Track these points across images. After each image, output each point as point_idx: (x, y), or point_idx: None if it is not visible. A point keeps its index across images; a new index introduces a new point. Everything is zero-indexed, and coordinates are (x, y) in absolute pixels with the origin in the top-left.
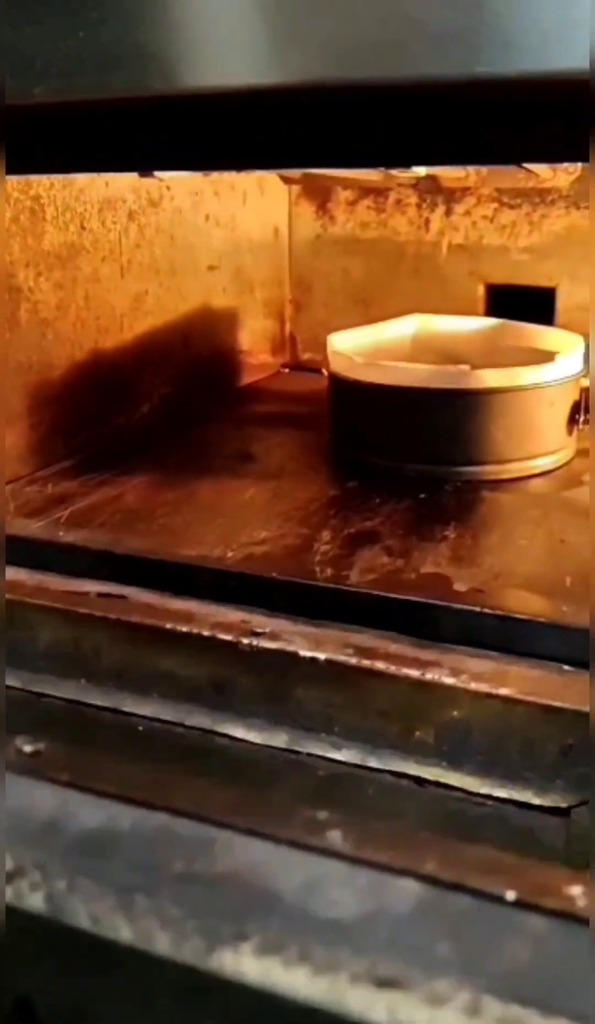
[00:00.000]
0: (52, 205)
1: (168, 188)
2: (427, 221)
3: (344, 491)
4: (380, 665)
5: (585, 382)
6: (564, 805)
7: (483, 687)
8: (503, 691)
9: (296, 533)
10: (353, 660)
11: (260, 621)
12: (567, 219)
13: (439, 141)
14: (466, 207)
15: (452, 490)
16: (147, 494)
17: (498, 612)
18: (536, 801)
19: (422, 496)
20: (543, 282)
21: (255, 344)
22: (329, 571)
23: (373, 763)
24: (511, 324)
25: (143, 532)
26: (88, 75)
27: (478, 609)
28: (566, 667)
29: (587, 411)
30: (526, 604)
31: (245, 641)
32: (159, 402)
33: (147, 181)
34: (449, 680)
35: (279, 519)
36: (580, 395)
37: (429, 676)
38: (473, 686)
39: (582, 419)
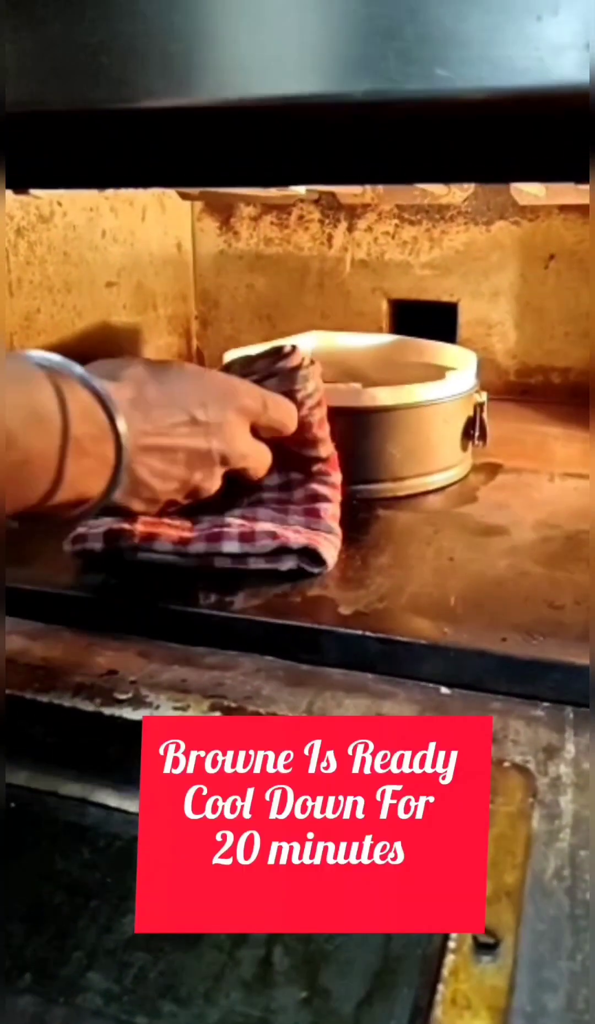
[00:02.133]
0: None
1: (59, 204)
2: (330, 237)
3: None
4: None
5: (479, 398)
6: None
7: None
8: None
9: None
10: None
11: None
12: (466, 235)
13: (439, 159)
14: (368, 223)
15: (346, 508)
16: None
17: (380, 636)
18: None
19: None
20: (445, 297)
21: None
22: (213, 597)
23: None
24: (408, 341)
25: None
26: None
27: (360, 633)
28: (444, 689)
29: (481, 428)
30: (408, 626)
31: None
32: None
33: (36, 197)
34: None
35: None
36: (474, 411)
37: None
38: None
39: (476, 435)
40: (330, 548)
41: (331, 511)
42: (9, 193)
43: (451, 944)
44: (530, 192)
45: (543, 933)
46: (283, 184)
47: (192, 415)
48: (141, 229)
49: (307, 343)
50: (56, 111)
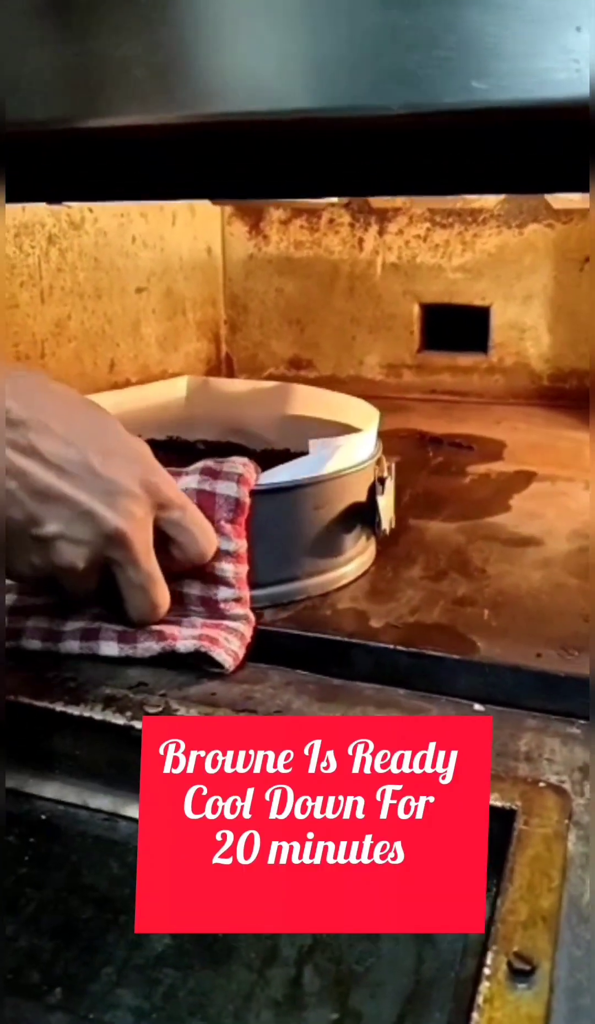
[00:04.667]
0: None
1: (90, 211)
2: (360, 241)
3: None
4: None
5: (381, 470)
6: None
7: None
8: None
9: None
10: None
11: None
12: (499, 238)
13: (438, 170)
14: (399, 226)
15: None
16: None
17: (412, 650)
18: None
19: None
20: (477, 301)
21: (189, 366)
22: None
23: None
24: (301, 390)
25: None
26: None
27: (391, 647)
28: (478, 706)
29: (377, 517)
30: (440, 640)
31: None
32: None
33: (68, 206)
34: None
35: None
36: (371, 491)
37: None
38: None
39: (381, 521)
40: (233, 643)
41: (235, 595)
42: (41, 203)
43: (486, 971)
44: (564, 195)
45: (580, 960)
46: (319, 196)
47: (86, 459)
48: (171, 234)
49: (179, 389)
50: (88, 128)
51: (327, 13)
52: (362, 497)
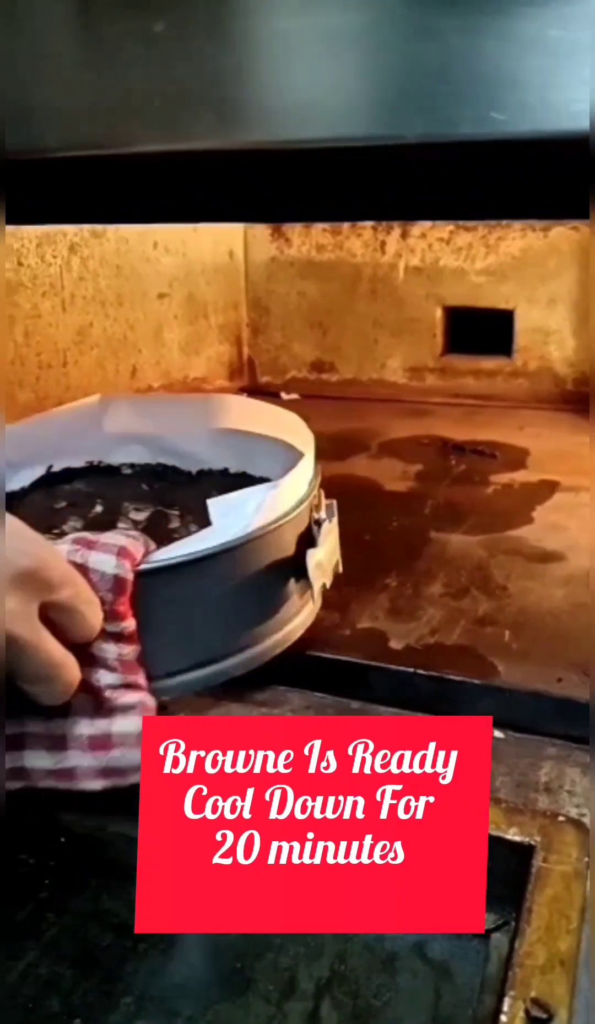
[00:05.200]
0: None
1: None
2: (383, 244)
3: None
4: None
5: (317, 512)
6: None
7: None
8: None
9: None
10: None
11: None
12: (523, 241)
13: (440, 197)
14: (422, 229)
15: (396, 534)
16: None
17: (432, 674)
18: None
19: None
20: (501, 304)
21: (211, 370)
22: None
23: None
24: (227, 401)
25: None
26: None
27: (411, 670)
28: (498, 732)
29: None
30: (460, 664)
31: None
32: None
33: None
34: None
35: None
36: (300, 540)
37: None
38: None
39: (313, 581)
40: (129, 755)
41: (122, 680)
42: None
43: (503, 1017)
44: None
45: None
46: (337, 220)
47: None
48: (193, 239)
49: (94, 410)
50: (120, 155)
51: (350, 45)
52: (290, 550)
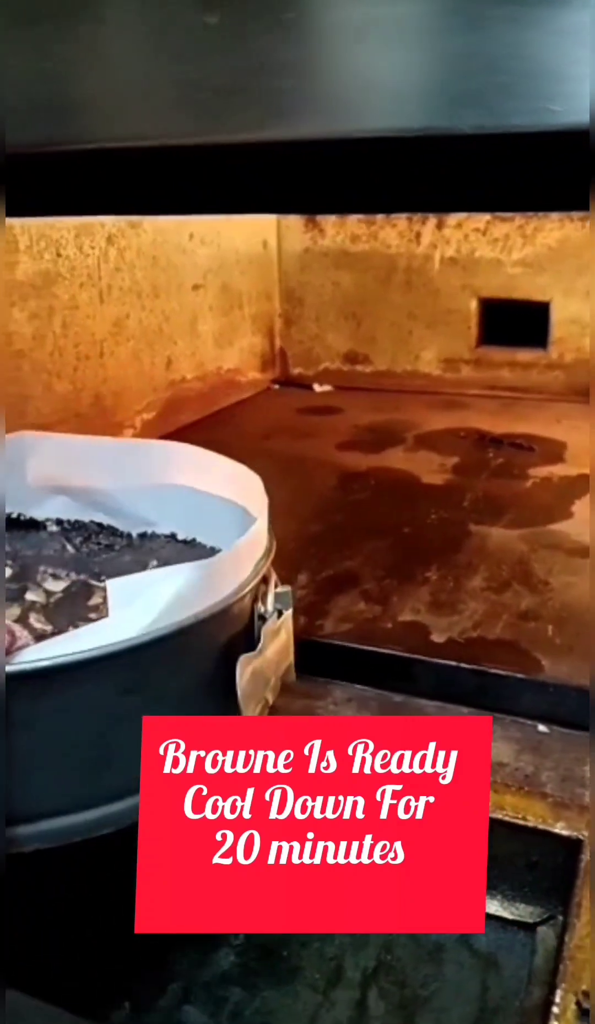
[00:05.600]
0: (25, 234)
1: None
2: (418, 234)
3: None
4: None
5: (263, 605)
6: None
7: None
8: None
9: None
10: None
11: None
12: (561, 232)
13: (444, 190)
14: (458, 220)
15: (434, 525)
16: None
17: (475, 667)
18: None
19: None
20: (537, 296)
21: (244, 361)
22: (301, 619)
23: None
24: (172, 450)
25: None
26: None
27: (454, 664)
28: (542, 727)
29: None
30: (503, 657)
31: None
32: (142, 428)
33: None
34: None
35: None
36: (236, 641)
37: None
38: None
39: (242, 700)
40: None
41: None
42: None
43: (555, 1009)
44: None
45: None
46: (386, 212)
47: None
48: (227, 229)
49: (14, 451)
50: (174, 146)
51: (404, 38)
52: (216, 654)
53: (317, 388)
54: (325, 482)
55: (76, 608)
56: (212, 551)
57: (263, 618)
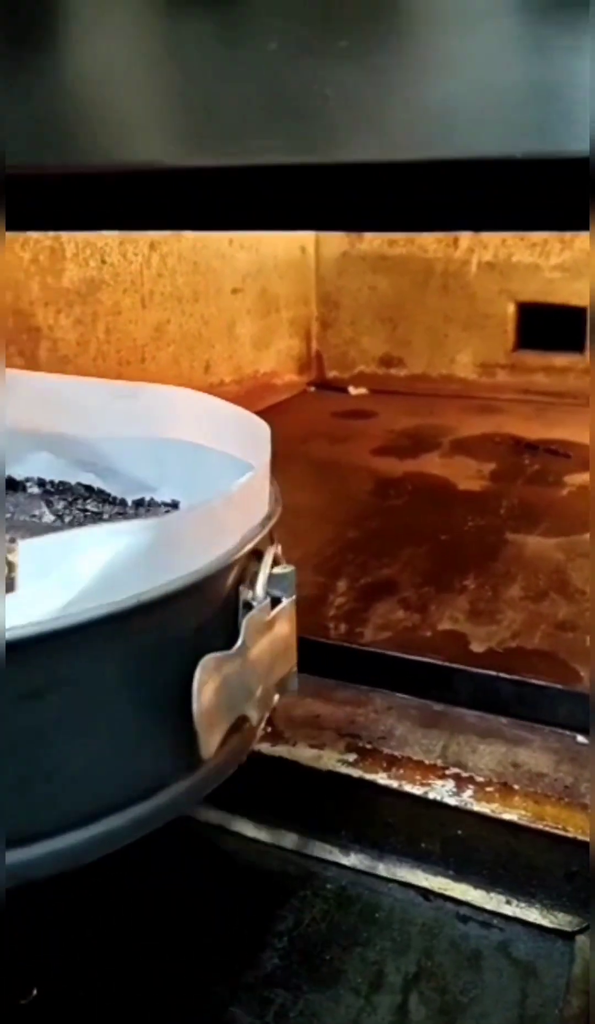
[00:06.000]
0: (72, 242)
1: None
2: (456, 239)
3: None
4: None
5: (257, 569)
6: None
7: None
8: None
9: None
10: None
11: None
12: None
13: (449, 211)
14: None
15: (471, 534)
16: None
17: (514, 678)
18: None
19: None
20: (575, 301)
21: (280, 364)
22: (343, 627)
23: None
24: (171, 395)
25: None
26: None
27: (493, 674)
28: (581, 738)
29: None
30: (542, 668)
31: None
32: None
33: None
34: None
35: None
36: (208, 632)
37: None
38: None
39: (202, 731)
40: None
41: None
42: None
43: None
44: None
45: None
46: (439, 231)
47: None
48: (267, 235)
49: None
50: (275, 164)
51: (460, 66)
52: (178, 652)
53: (352, 391)
54: (361, 487)
55: None
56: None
57: (249, 606)
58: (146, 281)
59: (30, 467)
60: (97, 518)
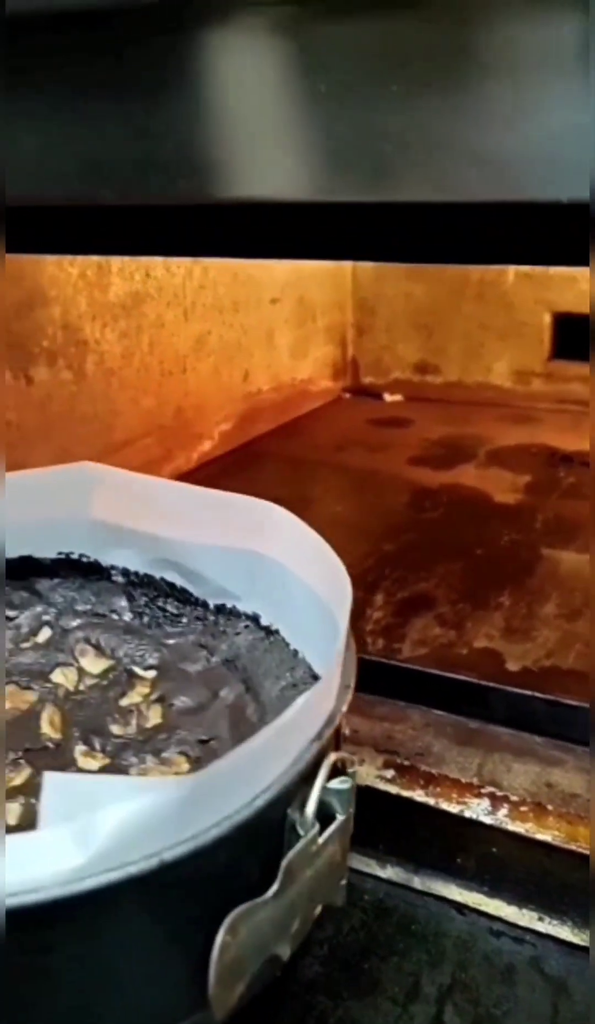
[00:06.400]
0: (119, 258)
1: None
2: None
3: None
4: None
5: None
6: None
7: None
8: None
9: None
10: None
11: None
12: None
13: (455, 245)
14: None
15: (506, 548)
16: None
17: (549, 698)
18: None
19: None
20: None
21: (316, 371)
22: (380, 643)
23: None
24: (272, 514)
25: None
26: (153, 181)
27: (528, 693)
28: None
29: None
30: (577, 688)
31: None
32: (219, 439)
33: None
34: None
35: None
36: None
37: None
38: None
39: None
40: None
41: None
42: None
43: None
44: None
45: None
46: (496, 263)
47: None
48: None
49: (79, 483)
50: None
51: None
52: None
53: (387, 398)
54: (397, 499)
55: (104, 706)
56: (294, 654)
57: (297, 832)
58: (188, 293)
59: (114, 558)
60: (175, 621)
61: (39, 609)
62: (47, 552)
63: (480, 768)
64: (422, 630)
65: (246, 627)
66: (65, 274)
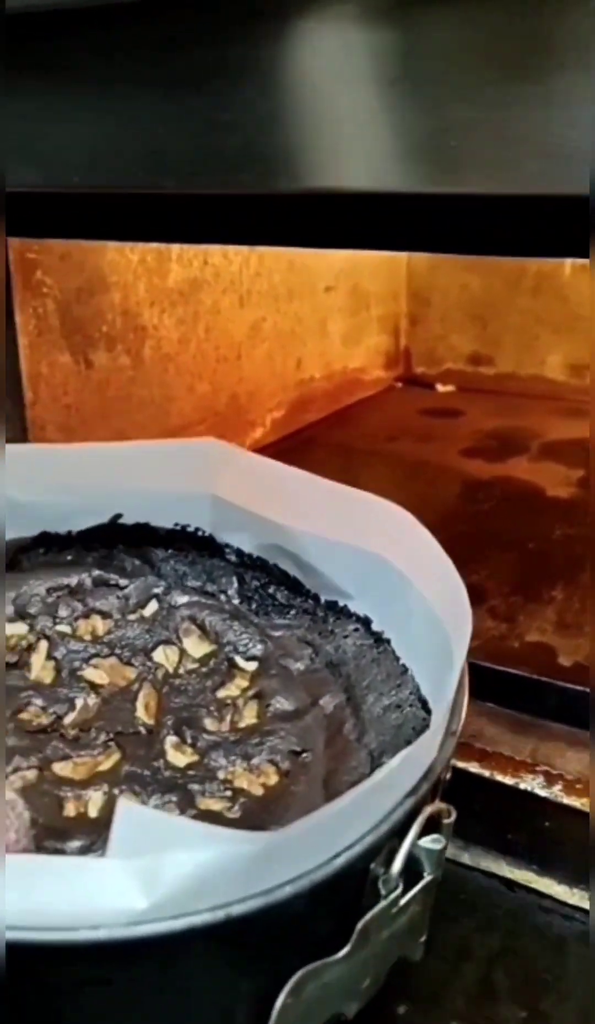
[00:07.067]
0: (177, 244)
1: None
2: None
3: None
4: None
5: (431, 842)
6: None
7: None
8: None
9: None
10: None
11: None
12: None
13: (463, 236)
14: None
15: (555, 546)
16: None
17: None
18: None
19: None
20: None
21: (369, 360)
22: None
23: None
24: (386, 512)
25: None
26: (217, 173)
27: (582, 689)
28: None
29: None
30: None
31: None
32: (272, 426)
33: None
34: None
35: None
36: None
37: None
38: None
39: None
40: None
41: None
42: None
43: None
44: None
45: None
46: (553, 256)
47: None
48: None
49: (201, 460)
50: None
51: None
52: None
53: (439, 388)
54: (449, 490)
55: (201, 696)
56: (402, 670)
57: (377, 891)
58: (244, 280)
59: (230, 538)
60: (283, 611)
61: (150, 580)
62: (163, 522)
63: (534, 752)
64: (475, 623)
65: (355, 630)
66: (125, 260)
